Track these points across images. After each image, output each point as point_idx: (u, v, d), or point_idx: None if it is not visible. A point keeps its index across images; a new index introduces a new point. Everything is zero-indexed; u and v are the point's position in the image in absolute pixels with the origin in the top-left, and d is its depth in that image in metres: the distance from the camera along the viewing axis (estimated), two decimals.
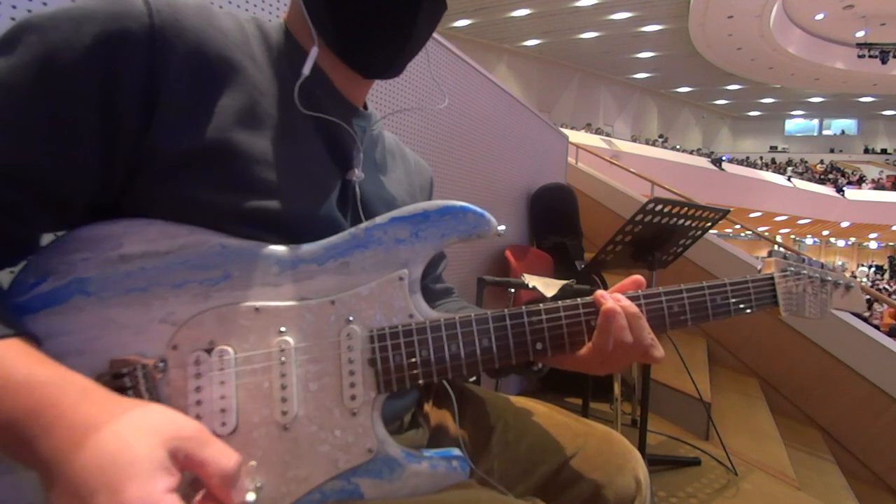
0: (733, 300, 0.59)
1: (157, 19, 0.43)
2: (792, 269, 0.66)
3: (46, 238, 0.45)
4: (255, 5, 1.00)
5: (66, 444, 0.32)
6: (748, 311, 0.61)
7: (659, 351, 0.53)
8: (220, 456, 0.35)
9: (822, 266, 0.70)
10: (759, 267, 0.67)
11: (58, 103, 0.40)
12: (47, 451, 0.32)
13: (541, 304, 0.53)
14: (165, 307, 0.43)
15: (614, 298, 0.53)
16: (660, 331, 0.55)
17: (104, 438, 0.32)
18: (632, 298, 0.54)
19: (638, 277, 0.56)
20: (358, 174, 0.57)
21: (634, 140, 17.31)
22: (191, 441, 0.34)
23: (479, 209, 0.51)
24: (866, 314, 9.65)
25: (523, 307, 0.52)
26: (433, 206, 0.50)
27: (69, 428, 0.32)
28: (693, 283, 0.58)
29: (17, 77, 0.39)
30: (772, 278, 0.64)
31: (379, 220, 0.50)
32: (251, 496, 0.42)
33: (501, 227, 0.51)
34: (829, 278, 0.70)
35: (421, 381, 0.49)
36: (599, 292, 0.54)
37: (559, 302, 0.54)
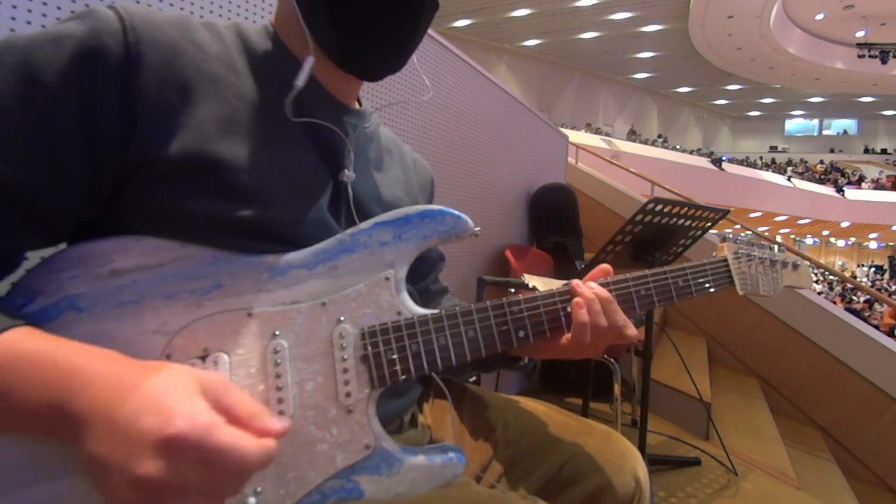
0: (693, 282, 0.65)
1: (132, 36, 0.43)
2: (743, 251, 0.72)
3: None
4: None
5: (105, 398, 0.34)
6: (709, 290, 0.67)
7: (632, 330, 0.57)
8: (244, 397, 0.38)
9: (771, 248, 0.77)
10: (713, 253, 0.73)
11: (44, 122, 0.41)
12: (83, 407, 0.34)
13: (520, 295, 0.56)
14: (158, 318, 0.43)
15: (587, 286, 0.57)
16: (631, 314, 0.59)
17: (143, 392, 0.34)
18: (602, 285, 0.58)
19: (606, 266, 0.61)
20: (348, 175, 0.57)
21: (632, 135, 17.27)
22: (218, 387, 0.37)
23: (456, 212, 0.54)
24: (867, 313, 9.65)
25: (504, 299, 0.54)
26: (414, 210, 0.53)
27: (105, 388, 0.35)
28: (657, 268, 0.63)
29: (2, 97, 0.40)
30: (725, 260, 0.70)
31: (363, 225, 0.52)
32: (252, 500, 0.42)
33: (477, 229, 0.54)
34: (778, 258, 0.76)
35: (413, 375, 0.49)
36: (575, 281, 0.58)
37: (536, 292, 0.57)
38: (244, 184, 0.47)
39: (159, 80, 0.44)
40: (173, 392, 0.34)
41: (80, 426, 0.34)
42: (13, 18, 0.65)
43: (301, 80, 0.51)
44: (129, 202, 0.45)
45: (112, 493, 0.34)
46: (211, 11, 0.91)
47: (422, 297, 0.73)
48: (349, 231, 0.51)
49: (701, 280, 0.66)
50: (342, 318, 0.49)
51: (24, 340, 0.37)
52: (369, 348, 0.48)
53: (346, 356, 0.48)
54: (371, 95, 1.39)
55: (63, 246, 0.46)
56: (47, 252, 0.45)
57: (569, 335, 0.56)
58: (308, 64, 0.52)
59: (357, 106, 0.64)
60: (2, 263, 0.43)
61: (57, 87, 0.41)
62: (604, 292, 0.57)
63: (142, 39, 0.44)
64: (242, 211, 0.46)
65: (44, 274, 0.42)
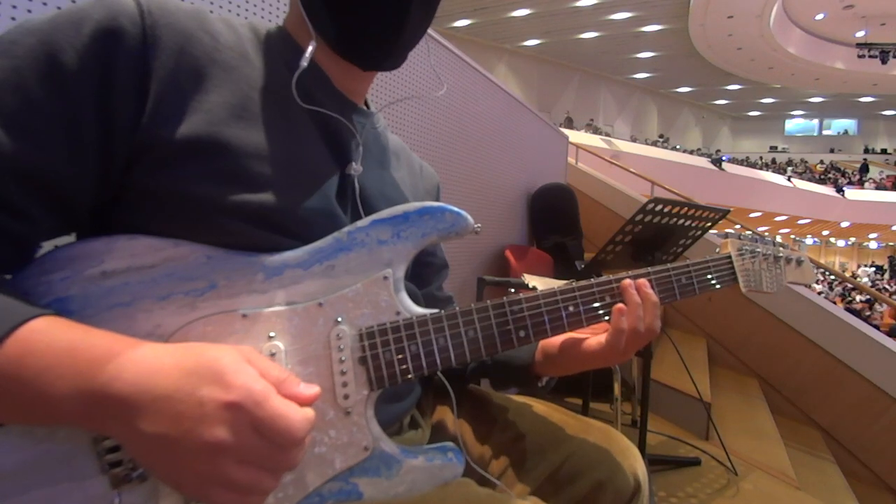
0: (697, 279, 0.64)
1: (149, 20, 0.44)
2: (747, 248, 0.71)
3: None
4: (254, 5, 1.00)
5: (148, 379, 0.34)
6: (713, 288, 0.66)
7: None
8: (273, 364, 0.39)
9: (774, 244, 0.75)
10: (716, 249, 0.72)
11: (64, 102, 0.41)
12: (125, 389, 0.34)
13: (521, 294, 0.55)
14: (151, 320, 0.43)
15: (638, 289, 0.58)
16: None
17: (185, 361, 0.35)
18: (604, 281, 0.58)
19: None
20: (356, 168, 0.57)
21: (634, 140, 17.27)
22: (252, 353, 0.39)
23: (456, 209, 0.52)
24: (867, 313, 9.65)
25: (505, 298, 0.54)
26: (413, 207, 0.52)
27: (145, 369, 0.35)
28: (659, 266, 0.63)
29: (23, 78, 0.40)
30: (729, 258, 0.69)
31: (360, 223, 0.51)
32: None
33: (477, 226, 0.53)
34: (782, 254, 0.75)
35: (412, 376, 0.49)
36: (626, 282, 0.59)
37: (538, 291, 0.56)
38: (251, 169, 0.47)
39: (173, 64, 0.45)
40: (224, 362, 0.35)
41: (126, 409, 0.34)
42: (13, 18, 0.65)
43: (305, 61, 0.52)
44: (134, 188, 0.45)
45: (173, 469, 0.34)
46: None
47: (428, 305, 0.72)
48: (346, 229, 0.51)
49: (705, 277, 0.65)
50: (340, 319, 0.48)
51: (53, 329, 0.37)
52: (367, 349, 0.48)
53: (343, 357, 0.47)
54: (373, 96, 1.39)
55: (72, 238, 0.46)
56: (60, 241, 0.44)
57: (597, 343, 0.59)
58: (311, 46, 0.53)
59: (365, 108, 0.64)
60: (21, 253, 0.43)
61: (77, 68, 0.41)
62: (654, 297, 0.58)
63: (158, 24, 0.44)
64: (248, 196, 0.46)
65: (34, 275, 0.42)
